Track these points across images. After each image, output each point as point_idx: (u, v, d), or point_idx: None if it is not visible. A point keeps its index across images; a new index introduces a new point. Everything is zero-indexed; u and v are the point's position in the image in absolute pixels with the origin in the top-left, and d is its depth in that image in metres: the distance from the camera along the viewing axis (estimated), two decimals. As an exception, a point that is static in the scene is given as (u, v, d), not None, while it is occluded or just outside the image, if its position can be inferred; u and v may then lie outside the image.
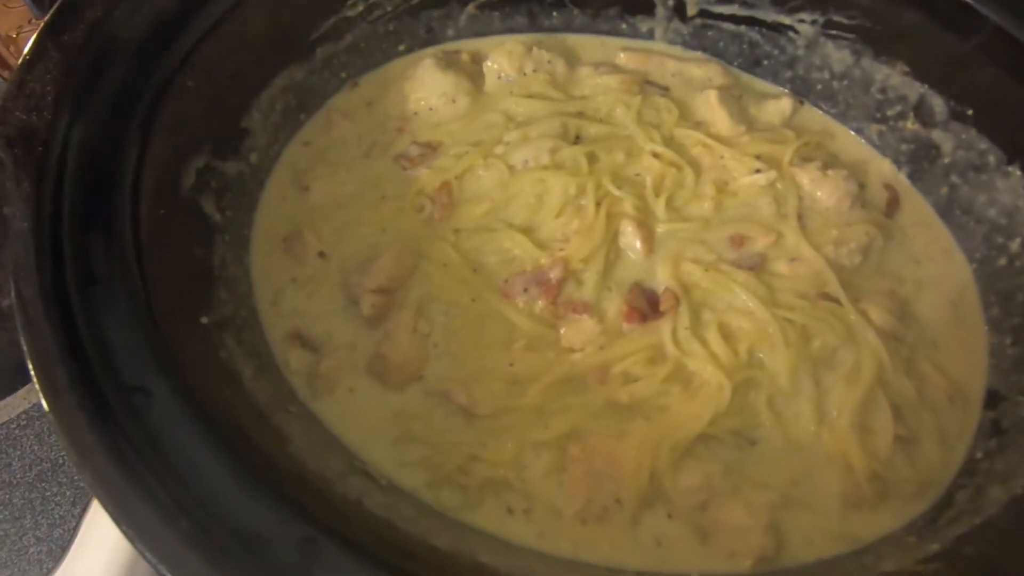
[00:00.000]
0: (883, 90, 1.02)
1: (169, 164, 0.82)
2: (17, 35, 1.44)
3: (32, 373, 0.60)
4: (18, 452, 1.04)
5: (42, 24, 0.76)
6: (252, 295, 0.92)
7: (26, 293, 0.62)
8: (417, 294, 0.89)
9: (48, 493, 1.00)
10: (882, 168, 1.04)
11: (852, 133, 1.07)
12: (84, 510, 0.96)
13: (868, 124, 1.06)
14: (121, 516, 0.55)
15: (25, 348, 0.61)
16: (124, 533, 0.54)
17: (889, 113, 1.03)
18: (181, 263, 0.81)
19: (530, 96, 1.02)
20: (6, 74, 1.37)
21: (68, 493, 1.00)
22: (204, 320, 0.79)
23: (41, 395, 0.59)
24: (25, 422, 1.03)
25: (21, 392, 1.03)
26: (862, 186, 1.00)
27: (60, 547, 0.97)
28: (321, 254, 0.93)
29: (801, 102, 1.09)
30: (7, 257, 0.65)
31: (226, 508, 0.57)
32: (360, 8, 1.05)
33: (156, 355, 0.63)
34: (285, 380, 0.85)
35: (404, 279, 0.90)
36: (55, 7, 0.77)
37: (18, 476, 1.03)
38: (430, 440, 0.81)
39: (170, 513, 0.55)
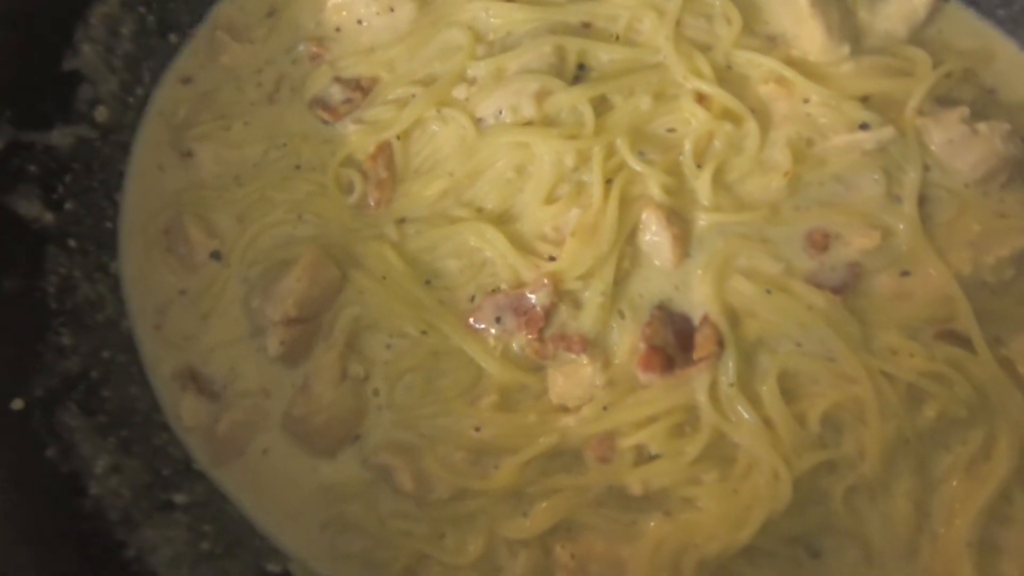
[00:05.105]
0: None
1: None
2: None
3: None
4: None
5: None
6: (126, 317, 0.74)
7: None
8: (347, 320, 0.73)
9: None
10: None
11: (1025, 53, 0.83)
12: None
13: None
14: None
15: None
16: None
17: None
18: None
19: (508, -2, 0.79)
20: None
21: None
22: (17, 405, 0.61)
23: None
24: None
25: None
26: (1029, 148, 0.77)
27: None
28: (215, 254, 0.77)
29: (945, -2, 0.84)
30: None
31: None
32: None
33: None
34: (177, 444, 0.72)
35: (327, 300, 0.73)
36: None
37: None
38: (370, 528, 0.70)
39: None
